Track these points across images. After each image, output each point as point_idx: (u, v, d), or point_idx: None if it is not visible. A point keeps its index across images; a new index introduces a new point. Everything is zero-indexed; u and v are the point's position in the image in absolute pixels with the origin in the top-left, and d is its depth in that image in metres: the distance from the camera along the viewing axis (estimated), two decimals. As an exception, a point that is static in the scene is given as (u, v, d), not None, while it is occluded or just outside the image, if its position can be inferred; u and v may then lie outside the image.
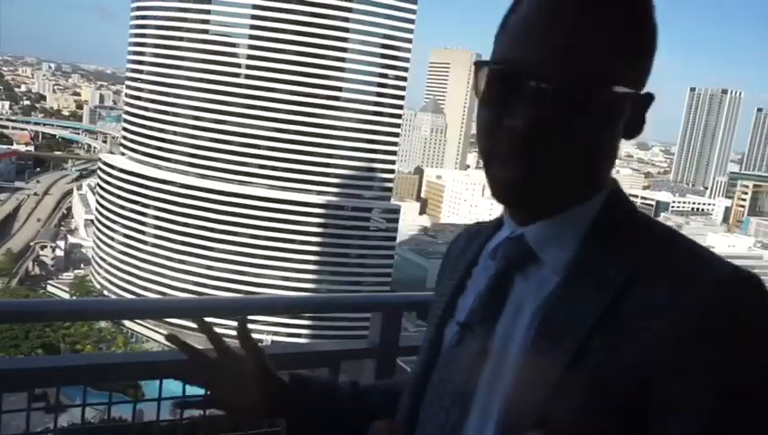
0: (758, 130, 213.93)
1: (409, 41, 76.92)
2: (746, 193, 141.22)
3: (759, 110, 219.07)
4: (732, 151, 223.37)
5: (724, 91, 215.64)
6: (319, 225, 71.96)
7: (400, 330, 2.28)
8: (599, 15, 0.90)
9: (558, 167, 0.91)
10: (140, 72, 75.26)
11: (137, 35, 76.23)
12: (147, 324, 60.11)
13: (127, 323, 58.61)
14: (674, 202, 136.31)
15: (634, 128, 0.97)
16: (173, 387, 1.66)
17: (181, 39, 72.03)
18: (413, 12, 76.44)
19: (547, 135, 0.89)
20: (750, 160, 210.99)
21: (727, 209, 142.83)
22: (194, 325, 1.20)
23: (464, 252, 1.15)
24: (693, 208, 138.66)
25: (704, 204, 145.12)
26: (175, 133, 72.32)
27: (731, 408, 0.80)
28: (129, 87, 78.26)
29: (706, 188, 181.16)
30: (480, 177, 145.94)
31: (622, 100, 0.92)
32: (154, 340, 58.76)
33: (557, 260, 0.95)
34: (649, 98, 0.96)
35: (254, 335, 1.16)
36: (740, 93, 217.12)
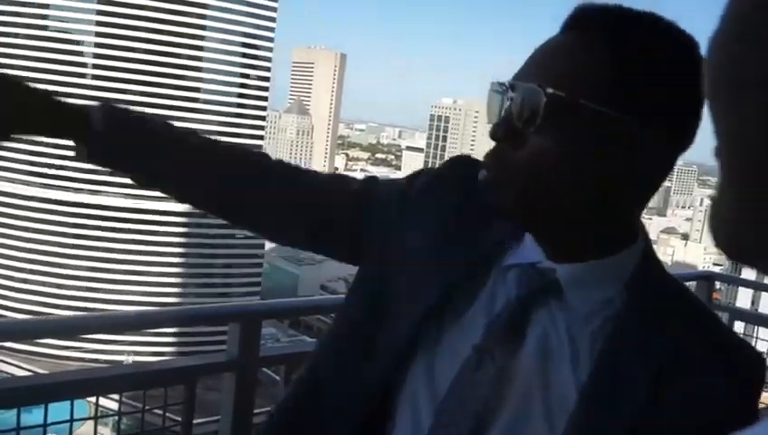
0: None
1: (271, 39, 74.63)
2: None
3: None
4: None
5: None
6: (180, 234, 68.31)
7: (260, 340, 2.11)
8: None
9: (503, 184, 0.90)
10: (-32, 71, 68.46)
11: (-38, 30, 69.22)
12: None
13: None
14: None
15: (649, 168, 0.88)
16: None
17: (16, 36, 66.00)
18: (274, 9, 74.30)
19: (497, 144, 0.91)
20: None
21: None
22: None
23: (459, 222, 1.03)
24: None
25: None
26: (11, 140, 66.05)
27: None
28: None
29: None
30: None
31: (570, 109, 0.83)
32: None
33: (587, 306, 0.93)
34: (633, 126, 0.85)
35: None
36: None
